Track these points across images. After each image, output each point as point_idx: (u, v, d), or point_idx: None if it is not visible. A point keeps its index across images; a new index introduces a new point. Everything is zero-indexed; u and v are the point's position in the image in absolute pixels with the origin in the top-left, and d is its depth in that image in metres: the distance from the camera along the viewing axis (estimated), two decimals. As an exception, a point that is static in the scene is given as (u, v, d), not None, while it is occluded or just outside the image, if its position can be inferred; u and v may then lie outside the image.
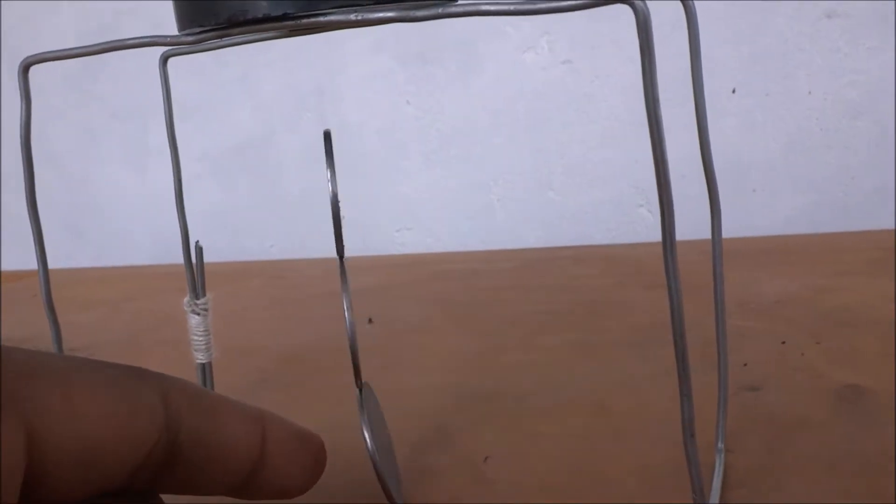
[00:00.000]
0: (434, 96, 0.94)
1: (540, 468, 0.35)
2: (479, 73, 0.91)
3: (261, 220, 1.03)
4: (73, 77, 1.07)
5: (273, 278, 0.81)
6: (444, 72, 0.93)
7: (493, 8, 0.23)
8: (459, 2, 0.24)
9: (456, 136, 0.93)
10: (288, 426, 0.26)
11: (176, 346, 0.59)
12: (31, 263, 1.10)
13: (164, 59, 0.37)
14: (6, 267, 1.14)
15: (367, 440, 0.30)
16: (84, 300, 0.78)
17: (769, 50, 0.80)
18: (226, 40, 0.27)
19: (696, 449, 0.26)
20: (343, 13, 0.25)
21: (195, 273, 0.41)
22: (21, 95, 0.30)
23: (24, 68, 0.30)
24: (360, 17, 0.25)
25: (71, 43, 1.11)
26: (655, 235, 0.91)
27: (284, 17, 0.25)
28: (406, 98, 0.94)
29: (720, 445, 0.33)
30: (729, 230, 0.86)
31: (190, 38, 0.27)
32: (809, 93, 0.79)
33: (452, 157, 0.93)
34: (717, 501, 0.30)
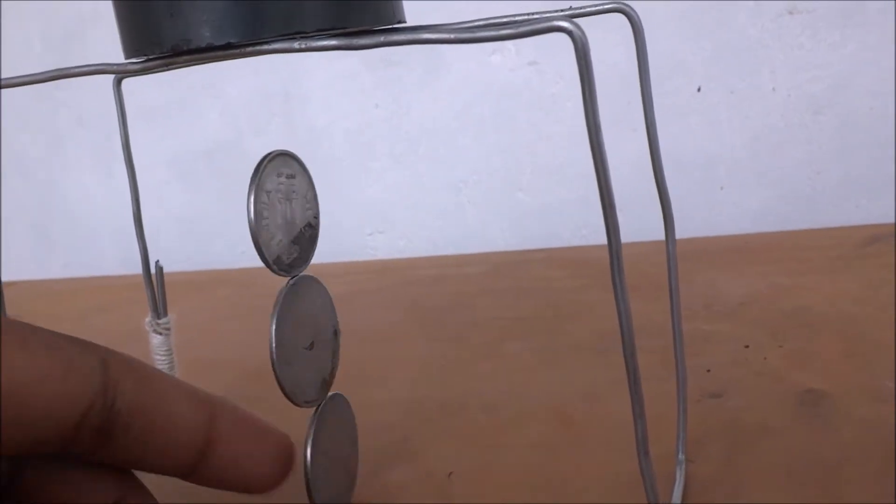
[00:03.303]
0: (401, 98, 0.93)
1: (503, 483, 0.35)
2: (445, 74, 0.91)
3: (230, 225, 1.03)
4: (43, 85, 1.06)
5: (241, 287, 0.81)
6: (411, 74, 0.92)
7: (434, 36, 0.23)
8: (401, 30, 0.24)
9: (424, 138, 0.93)
10: (245, 417, 0.26)
11: (146, 358, 0.58)
12: (5, 271, 1.08)
13: (119, 81, 0.37)
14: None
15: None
16: (52, 314, 0.78)
17: (733, 47, 0.80)
18: (170, 67, 0.27)
19: (651, 465, 0.26)
20: (286, 41, 0.25)
21: (156, 293, 0.41)
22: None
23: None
24: (303, 46, 0.24)
25: (37, 49, 1.10)
26: (625, 236, 0.91)
27: (228, 47, 0.25)
28: (374, 101, 0.94)
29: (681, 457, 0.34)
30: (697, 228, 0.86)
31: (136, 66, 0.26)
32: (773, 89, 0.80)
33: (421, 159, 0.93)
34: (678, 513, 0.30)
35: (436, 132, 0.93)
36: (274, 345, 0.30)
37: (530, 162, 0.90)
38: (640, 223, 0.82)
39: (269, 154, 0.30)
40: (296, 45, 0.24)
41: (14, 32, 1.10)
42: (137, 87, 1.01)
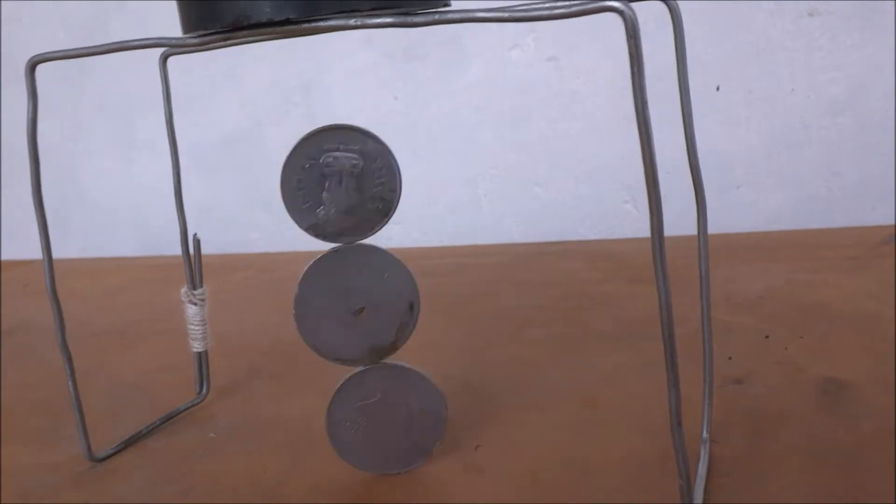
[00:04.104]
0: (421, 92, 0.94)
1: (529, 457, 0.36)
2: (465, 69, 0.92)
3: (246, 213, 1.04)
4: (63, 71, 1.07)
5: (259, 271, 0.82)
6: (432, 67, 0.93)
7: (487, 15, 0.24)
8: (455, 8, 0.25)
9: (442, 132, 0.94)
10: None
11: (169, 336, 0.60)
12: (20, 254, 1.10)
13: (164, 59, 0.38)
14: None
15: None
16: (75, 291, 0.78)
17: (752, 48, 0.81)
18: (228, 42, 0.28)
19: (683, 436, 0.27)
20: (343, 18, 0.25)
21: (193, 264, 0.42)
22: (28, 93, 0.31)
23: (31, 67, 0.31)
24: (359, 23, 0.25)
25: (60, 38, 1.11)
26: (640, 231, 0.92)
27: (287, 22, 0.25)
28: (394, 93, 0.95)
29: (705, 435, 0.34)
30: (713, 227, 0.87)
31: (194, 41, 0.27)
32: (792, 90, 0.80)
33: (439, 152, 0.94)
34: (702, 490, 0.31)
35: (454, 126, 0.94)
36: (295, 300, 0.31)
37: (547, 157, 0.91)
38: (664, 216, 0.82)
39: (320, 127, 0.31)
40: (352, 21, 0.25)
41: (38, 21, 1.11)
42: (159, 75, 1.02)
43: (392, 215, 0.33)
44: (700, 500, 0.30)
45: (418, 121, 0.94)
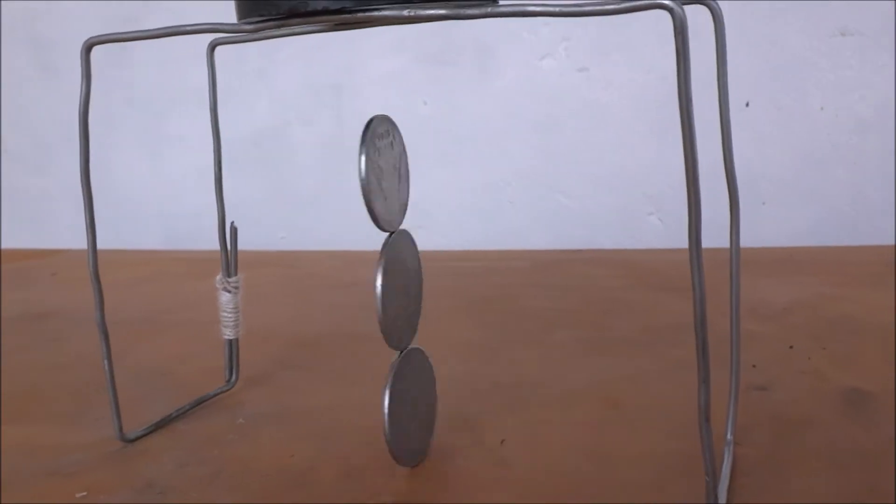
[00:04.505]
0: (451, 97, 0.95)
1: (554, 452, 0.37)
2: (495, 76, 0.93)
3: (272, 211, 1.04)
4: (96, 63, 1.09)
5: (287, 268, 0.83)
6: (462, 74, 0.94)
7: (538, 9, 0.24)
8: (507, 2, 0.26)
9: (470, 138, 0.95)
10: None
11: (195, 326, 0.60)
12: (49, 243, 1.11)
13: (213, 48, 0.39)
14: (24, 246, 1.16)
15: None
16: (102, 281, 0.79)
17: (783, 65, 0.82)
18: (282, 30, 0.28)
19: (711, 433, 0.27)
20: (396, 9, 0.26)
21: (229, 253, 0.43)
22: (82, 74, 0.32)
23: (87, 48, 0.32)
24: (412, 14, 0.26)
25: (94, 28, 1.13)
26: (664, 243, 0.92)
27: (342, 11, 0.26)
28: (423, 98, 0.96)
29: (729, 437, 0.35)
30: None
31: (248, 27, 0.28)
32: (821, 108, 0.81)
33: (466, 157, 0.95)
34: (726, 490, 0.32)
35: (482, 132, 0.94)
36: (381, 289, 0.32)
37: (574, 167, 0.91)
38: (685, 229, 0.83)
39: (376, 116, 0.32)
40: (405, 12, 0.26)
41: (72, 13, 1.12)
42: (194, 72, 1.03)
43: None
44: (724, 499, 0.30)
45: (446, 126, 0.95)
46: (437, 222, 0.97)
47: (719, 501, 0.30)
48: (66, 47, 1.15)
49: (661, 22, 0.84)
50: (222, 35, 0.36)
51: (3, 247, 1.19)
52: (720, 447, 0.34)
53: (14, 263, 0.95)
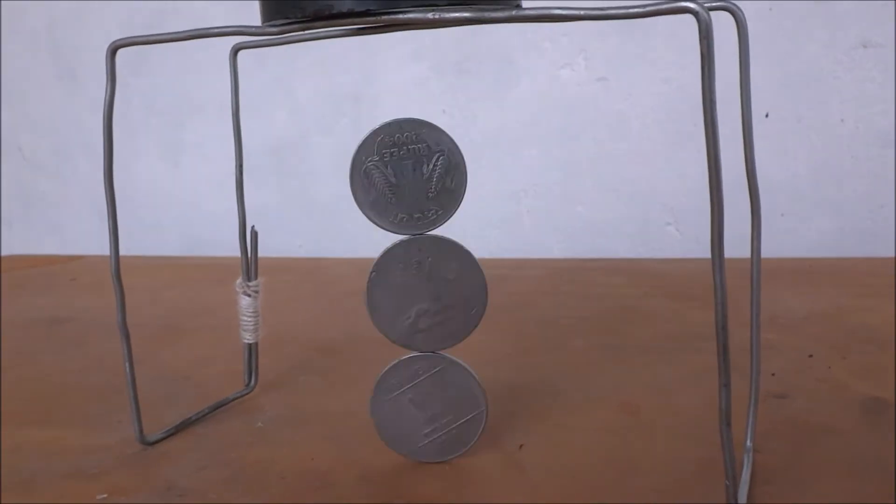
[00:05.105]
0: (469, 106, 0.95)
1: (572, 457, 0.37)
2: (514, 85, 0.93)
3: (290, 220, 1.05)
4: (120, 70, 1.10)
5: (305, 273, 0.83)
6: (481, 83, 0.94)
7: (564, 12, 0.25)
8: (532, 5, 0.26)
9: (488, 146, 0.95)
10: None
11: (213, 330, 0.61)
12: (67, 249, 1.12)
13: (235, 52, 0.39)
14: (41, 251, 1.17)
15: None
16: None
17: (803, 76, 0.81)
18: (306, 34, 0.29)
19: (731, 436, 0.27)
20: (421, 11, 0.26)
21: (249, 257, 0.43)
22: (107, 76, 0.32)
23: (112, 51, 0.32)
24: (436, 17, 0.26)
25: (114, 35, 1.14)
26: (682, 254, 0.92)
27: (367, 13, 0.26)
28: (442, 107, 0.96)
29: (749, 444, 0.35)
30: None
31: (274, 30, 0.28)
32: (842, 120, 0.81)
33: (483, 167, 0.95)
34: (745, 496, 0.32)
35: (500, 141, 0.95)
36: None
37: (592, 177, 0.91)
38: (706, 239, 0.83)
39: (394, 120, 0.33)
40: (429, 15, 0.26)
41: (93, 20, 1.13)
42: (214, 82, 1.04)
43: (457, 209, 0.34)
44: (745, 502, 0.30)
45: (465, 135, 0.95)
46: (452, 230, 0.97)
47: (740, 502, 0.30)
48: (85, 54, 1.17)
49: (680, 33, 0.84)
50: (246, 39, 0.37)
51: (22, 252, 1.20)
52: (739, 454, 0.34)
53: (33, 269, 0.96)
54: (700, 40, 0.23)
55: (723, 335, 0.25)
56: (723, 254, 0.25)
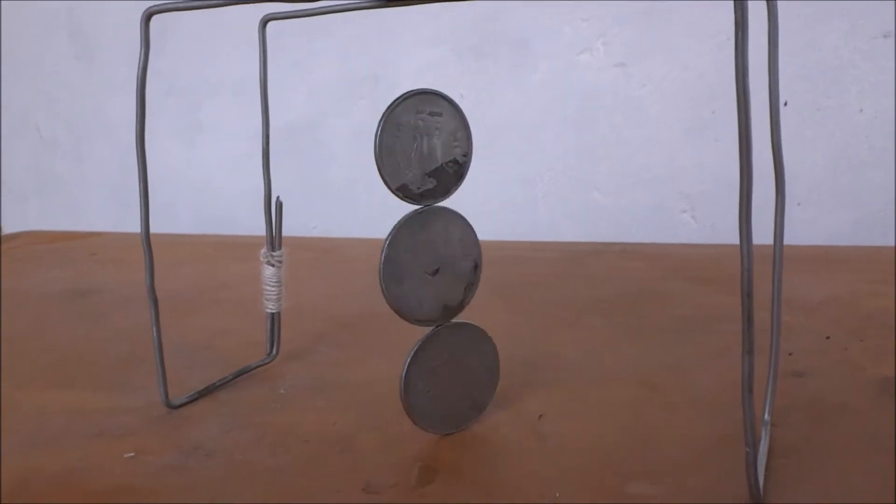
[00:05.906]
0: (487, 90, 0.96)
1: (590, 428, 0.37)
2: (532, 70, 0.93)
3: (306, 201, 1.06)
4: (134, 52, 1.10)
5: (323, 252, 0.83)
6: (499, 67, 0.95)
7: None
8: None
9: (505, 131, 0.95)
10: None
11: (233, 303, 0.61)
12: (83, 225, 1.13)
13: (264, 23, 0.40)
14: (62, 228, 1.18)
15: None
16: (140, 262, 0.81)
17: (823, 66, 0.82)
18: (337, 4, 0.29)
19: (753, 404, 0.27)
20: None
21: (273, 227, 0.43)
22: (141, 42, 0.33)
23: (146, 18, 0.32)
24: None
25: (131, 18, 1.14)
26: (698, 240, 0.92)
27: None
28: (460, 90, 0.96)
29: (767, 418, 0.35)
30: (771, 239, 0.88)
31: (308, -3, 0.29)
32: (861, 110, 0.81)
33: (500, 151, 0.95)
34: (764, 466, 0.32)
35: (517, 126, 0.95)
36: (383, 261, 0.32)
37: (608, 163, 0.92)
38: (722, 227, 0.83)
39: (409, 91, 0.33)
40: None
41: (108, 7, 1.14)
42: (232, 62, 1.04)
43: (465, 178, 0.35)
44: (762, 473, 0.31)
45: (482, 119, 0.95)
46: (467, 213, 0.97)
47: (759, 471, 0.30)
48: (101, 36, 1.17)
49: (699, 20, 0.84)
50: (277, 9, 0.37)
51: (37, 229, 1.21)
52: (758, 429, 0.35)
53: (54, 244, 0.97)
54: (735, 7, 0.23)
55: (748, 302, 0.26)
56: (750, 219, 0.25)
